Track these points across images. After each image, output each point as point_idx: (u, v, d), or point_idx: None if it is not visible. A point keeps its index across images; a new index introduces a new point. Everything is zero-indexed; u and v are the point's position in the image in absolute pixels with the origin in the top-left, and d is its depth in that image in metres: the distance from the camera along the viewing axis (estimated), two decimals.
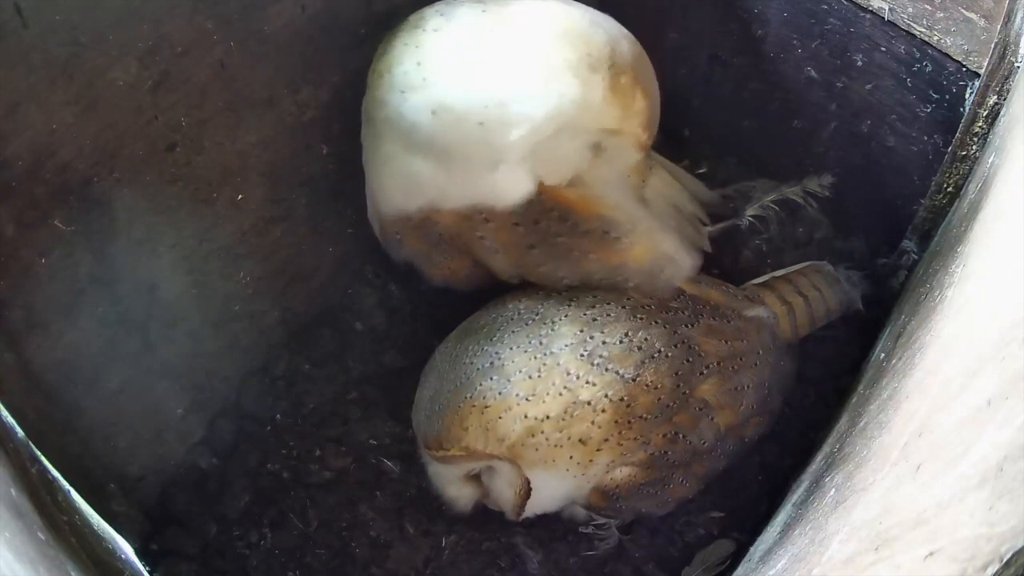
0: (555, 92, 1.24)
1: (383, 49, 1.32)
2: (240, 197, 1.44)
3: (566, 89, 1.24)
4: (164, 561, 1.48)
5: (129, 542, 1.40)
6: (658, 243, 1.40)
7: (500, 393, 1.28)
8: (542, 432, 1.28)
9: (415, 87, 1.26)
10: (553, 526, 1.51)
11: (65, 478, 1.22)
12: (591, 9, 1.33)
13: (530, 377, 1.29)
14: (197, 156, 1.33)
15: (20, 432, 1.12)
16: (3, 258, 1.13)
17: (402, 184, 1.35)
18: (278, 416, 1.64)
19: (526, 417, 1.28)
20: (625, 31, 1.34)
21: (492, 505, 1.43)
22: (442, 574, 1.50)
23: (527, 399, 1.28)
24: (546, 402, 1.28)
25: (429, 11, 1.32)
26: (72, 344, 1.27)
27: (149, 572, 1.42)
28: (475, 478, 1.40)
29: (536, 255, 1.38)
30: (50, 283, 1.21)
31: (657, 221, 1.43)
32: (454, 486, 1.42)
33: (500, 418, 1.28)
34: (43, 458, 1.17)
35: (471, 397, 1.29)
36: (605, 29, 1.29)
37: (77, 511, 1.21)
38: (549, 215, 1.34)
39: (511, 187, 1.31)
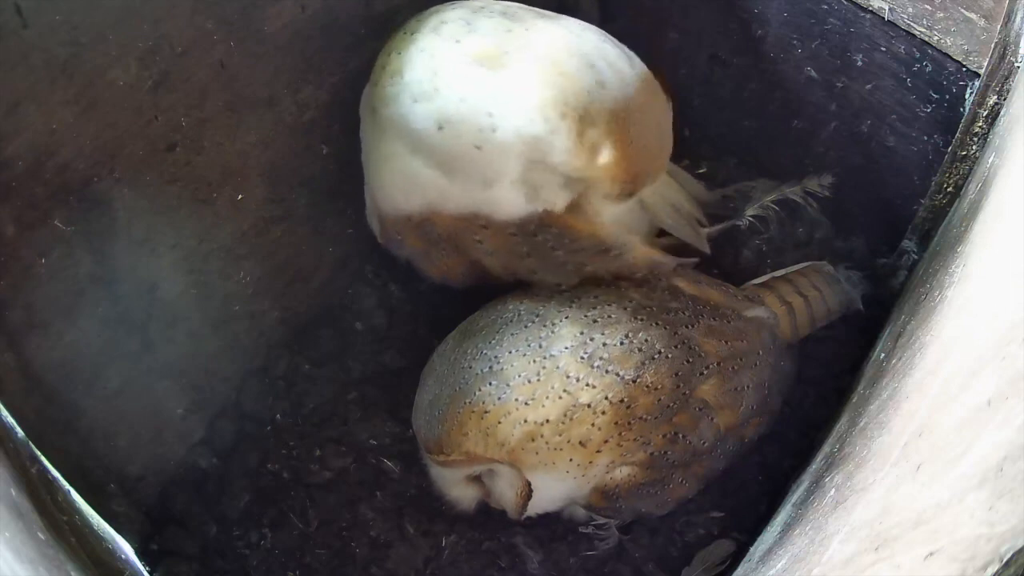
0: (524, 127, 1.23)
1: (398, 47, 1.30)
2: (240, 197, 1.44)
3: (533, 127, 1.23)
4: (164, 561, 1.48)
5: (129, 542, 1.40)
6: (655, 253, 1.42)
7: (499, 398, 1.28)
8: (541, 436, 1.28)
9: (427, 96, 1.25)
10: (553, 526, 1.51)
11: (65, 478, 1.22)
12: (603, 42, 1.31)
13: (529, 381, 1.29)
14: (197, 156, 1.33)
15: (20, 432, 1.12)
16: (3, 258, 1.13)
17: (403, 184, 1.35)
18: (278, 416, 1.64)
19: (525, 422, 1.28)
20: (631, 76, 1.30)
21: (495, 504, 1.43)
22: (442, 574, 1.50)
23: (526, 403, 1.28)
24: (545, 406, 1.28)
25: (451, 15, 1.30)
26: (72, 344, 1.27)
27: (149, 572, 1.42)
28: (477, 479, 1.40)
29: (530, 263, 1.39)
30: (50, 283, 1.21)
31: (652, 227, 1.45)
32: (456, 487, 1.43)
33: (499, 423, 1.28)
34: (43, 458, 1.17)
35: (470, 403, 1.29)
36: (597, 73, 1.26)
37: (77, 511, 1.21)
38: (547, 230, 1.34)
39: (508, 204, 1.31)
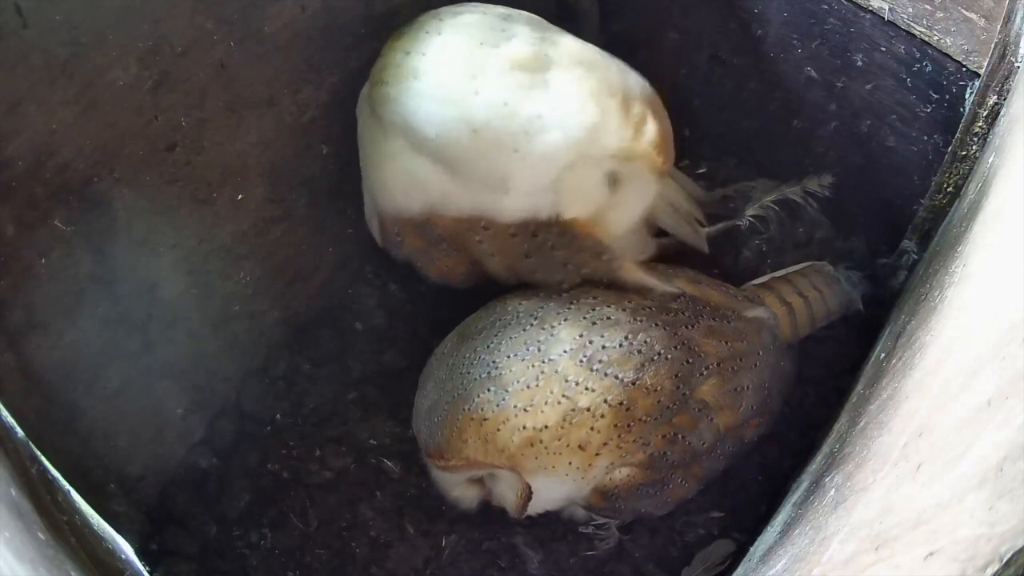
0: (579, 120, 1.27)
1: (419, 48, 1.29)
2: (240, 197, 1.44)
3: (587, 115, 1.27)
4: (164, 561, 1.48)
5: (129, 542, 1.40)
6: (642, 276, 1.43)
7: (498, 405, 1.28)
8: (540, 441, 1.28)
9: (459, 100, 1.26)
10: (553, 526, 1.51)
11: (65, 478, 1.22)
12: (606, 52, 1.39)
13: (528, 387, 1.28)
14: (197, 156, 1.33)
15: (20, 432, 1.12)
16: (3, 258, 1.14)
17: (405, 183, 1.35)
18: (278, 416, 1.64)
19: (524, 428, 1.27)
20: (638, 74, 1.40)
21: (496, 503, 1.43)
22: (442, 574, 1.50)
23: (525, 409, 1.28)
24: (544, 411, 1.28)
25: (483, 20, 1.31)
26: (72, 344, 1.27)
27: (149, 572, 1.42)
28: (478, 481, 1.40)
29: (531, 263, 1.39)
30: (50, 283, 1.21)
31: (644, 255, 1.47)
32: (457, 488, 1.43)
33: (498, 430, 1.28)
34: (43, 458, 1.17)
35: (469, 409, 1.29)
36: (618, 65, 1.36)
37: (77, 511, 1.21)
38: (548, 230, 1.35)
39: (520, 208, 1.32)
